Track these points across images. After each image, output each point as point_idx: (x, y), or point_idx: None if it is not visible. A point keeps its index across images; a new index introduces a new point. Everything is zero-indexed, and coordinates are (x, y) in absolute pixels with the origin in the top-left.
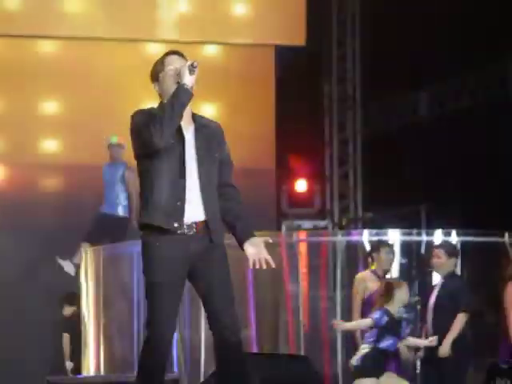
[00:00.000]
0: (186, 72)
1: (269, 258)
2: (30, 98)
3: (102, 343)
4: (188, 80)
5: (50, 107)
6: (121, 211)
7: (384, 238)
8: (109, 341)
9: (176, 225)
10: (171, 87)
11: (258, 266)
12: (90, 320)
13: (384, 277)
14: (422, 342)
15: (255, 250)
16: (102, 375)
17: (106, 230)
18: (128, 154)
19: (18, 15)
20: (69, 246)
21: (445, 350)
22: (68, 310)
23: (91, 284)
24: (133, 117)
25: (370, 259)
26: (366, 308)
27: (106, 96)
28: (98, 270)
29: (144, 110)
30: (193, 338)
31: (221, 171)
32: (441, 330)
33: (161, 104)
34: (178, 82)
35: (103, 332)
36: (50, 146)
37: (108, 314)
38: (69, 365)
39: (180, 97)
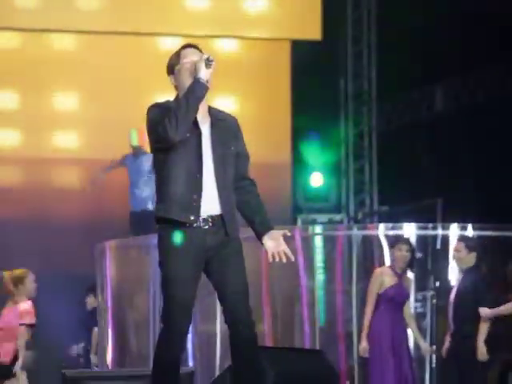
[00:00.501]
0: (202, 66)
1: (288, 250)
2: (47, 92)
3: (119, 337)
4: (204, 74)
5: (66, 102)
6: (151, 205)
7: (399, 232)
8: (125, 334)
9: (192, 218)
10: (187, 80)
11: (277, 259)
12: (106, 313)
13: (402, 273)
14: (424, 345)
15: (274, 243)
16: (118, 369)
17: (145, 229)
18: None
19: (35, 10)
20: (86, 239)
21: (483, 353)
22: (93, 302)
23: (108, 278)
24: (148, 110)
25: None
26: (382, 302)
27: (122, 90)
28: (115, 263)
29: (159, 103)
30: (208, 332)
31: (237, 164)
32: (462, 325)
33: (177, 97)
34: (194, 76)
35: (120, 325)
36: (66, 140)
37: (125, 307)
38: (93, 358)
39: (195, 91)
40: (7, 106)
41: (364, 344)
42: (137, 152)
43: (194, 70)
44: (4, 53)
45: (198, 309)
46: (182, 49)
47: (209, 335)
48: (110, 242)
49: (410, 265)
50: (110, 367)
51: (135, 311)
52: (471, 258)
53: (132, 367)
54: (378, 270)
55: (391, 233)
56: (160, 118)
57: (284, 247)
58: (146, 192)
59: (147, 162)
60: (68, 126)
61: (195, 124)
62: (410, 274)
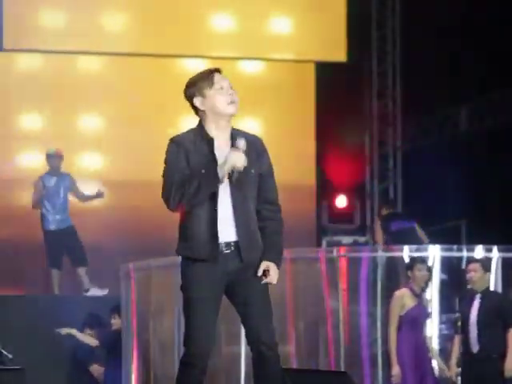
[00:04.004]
0: (238, 157)
1: (272, 281)
2: (71, 113)
3: (144, 359)
4: (226, 172)
5: (90, 122)
6: (68, 222)
7: (424, 253)
8: (151, 356)
9: (215, 255)
10: (222, 106)
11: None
12: (132, 335)
13: (421, 294)
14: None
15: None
16: None
17: (65, 247)
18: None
19: (60, 32)
20: (105, 263)
21: (510, 369)
22: (116, 324)
23: (132, 300)
24: (167, 148)
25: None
26: (404, 324)
27: (146, 111)
28: (140, 284)
29: (180, 140)
30: (233, 353)
31: (263, 186)
32: (488, 345)
33: (200, 124)
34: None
35: (145, 347)
36: (90, 160)
37: (150, 328)
38: None
39: (210, 183)
40: (32, 127)
41: (396, 369)
42: (53, 166)
43: (225, 162)
44: (29, 74)
45: (222, 330)
46: (212, 72)
47: (233, 357)
48: (135, 263)
49: (427, 284)
50: None
51: (160, 332)
52: (487, 278)
53: None
54: (397, 293)
55: (416, 255)
56: (173, 173)
57: (272, 280)
58: (65, 210)
59: (67, 180)
60: (93, 147)
61: (213, 155)
62: (430, 295)
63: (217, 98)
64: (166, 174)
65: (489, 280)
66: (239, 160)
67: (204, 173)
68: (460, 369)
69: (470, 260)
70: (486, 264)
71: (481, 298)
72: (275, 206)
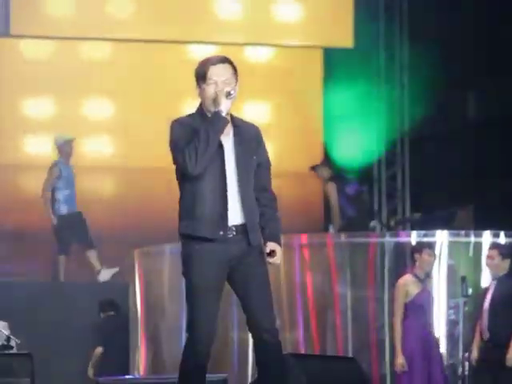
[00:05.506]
0: (223, 98)
1: (278, 260)
2: (79, 99)
3: (151, 344)
4: (224, 106)
5: (98, 109)
6: (75, 207)
7: (432, 239)
8: (158, 341)
9: (222, 233)
10: (209, 104)
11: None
12: (138, 321)
13: (425, 278)
14: None
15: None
16: (150, 376)
17: (74, 231)
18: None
19: (67, 18)
20: (115, 249)
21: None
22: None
23: (141, 285)
24: (171, 128)
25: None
26: (410, 311)
27: (154, 98)
28: (147, 271)
29: (182, 119)
30: (241, 339)
31: (259, 175)
32: (498, 332)
33: (200, 108)
34: (215, 109)
35: (152, 333)
36: (98, 147)
37: (157, 313)
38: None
39: (215, 125)
40: (40, 114)
41: (401, 359)
42: (69, 153)
43: (216, 99)
44: (36, 60)
45: (229, 317)
46: (210, 64)
47: (241, 342)
48: (142, 249)
49: (432, 269)
50: (142, 374)
51: (167, 317)
52: (505, 265)
53: (164, 374)
54: (400, 281)
55: (424, 240)
56: (182, 143)
57: (277, 261)
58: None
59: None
60: (101, 134)
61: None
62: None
63: (206, 91)
64: (176, 146)
65: (506, 267)
66: (226, 88)
67: (208, 121)
68: (467, 354)
69: (490, 246)
70: (504, 251)
71: (495, 285)
72: (272, 194)
